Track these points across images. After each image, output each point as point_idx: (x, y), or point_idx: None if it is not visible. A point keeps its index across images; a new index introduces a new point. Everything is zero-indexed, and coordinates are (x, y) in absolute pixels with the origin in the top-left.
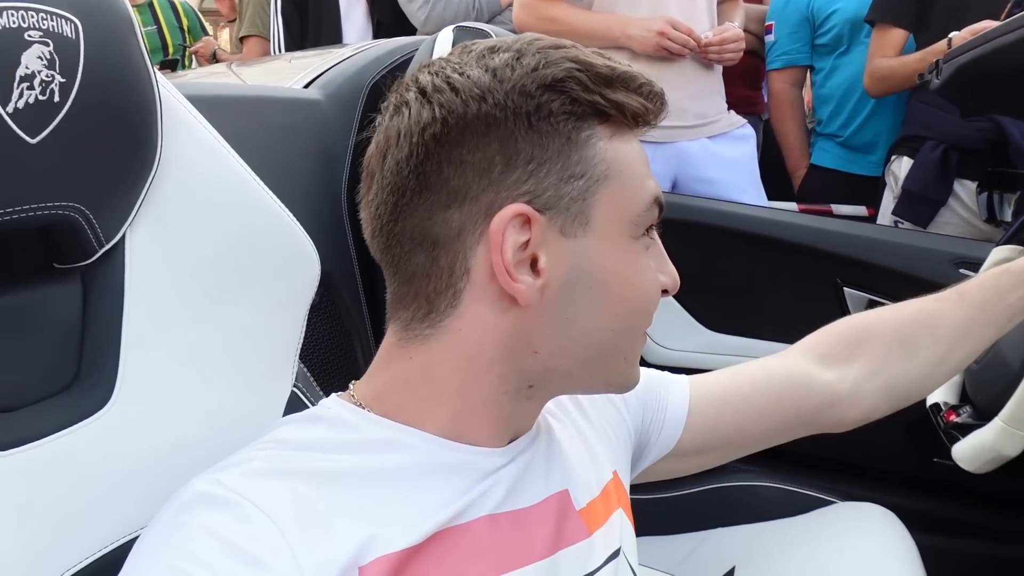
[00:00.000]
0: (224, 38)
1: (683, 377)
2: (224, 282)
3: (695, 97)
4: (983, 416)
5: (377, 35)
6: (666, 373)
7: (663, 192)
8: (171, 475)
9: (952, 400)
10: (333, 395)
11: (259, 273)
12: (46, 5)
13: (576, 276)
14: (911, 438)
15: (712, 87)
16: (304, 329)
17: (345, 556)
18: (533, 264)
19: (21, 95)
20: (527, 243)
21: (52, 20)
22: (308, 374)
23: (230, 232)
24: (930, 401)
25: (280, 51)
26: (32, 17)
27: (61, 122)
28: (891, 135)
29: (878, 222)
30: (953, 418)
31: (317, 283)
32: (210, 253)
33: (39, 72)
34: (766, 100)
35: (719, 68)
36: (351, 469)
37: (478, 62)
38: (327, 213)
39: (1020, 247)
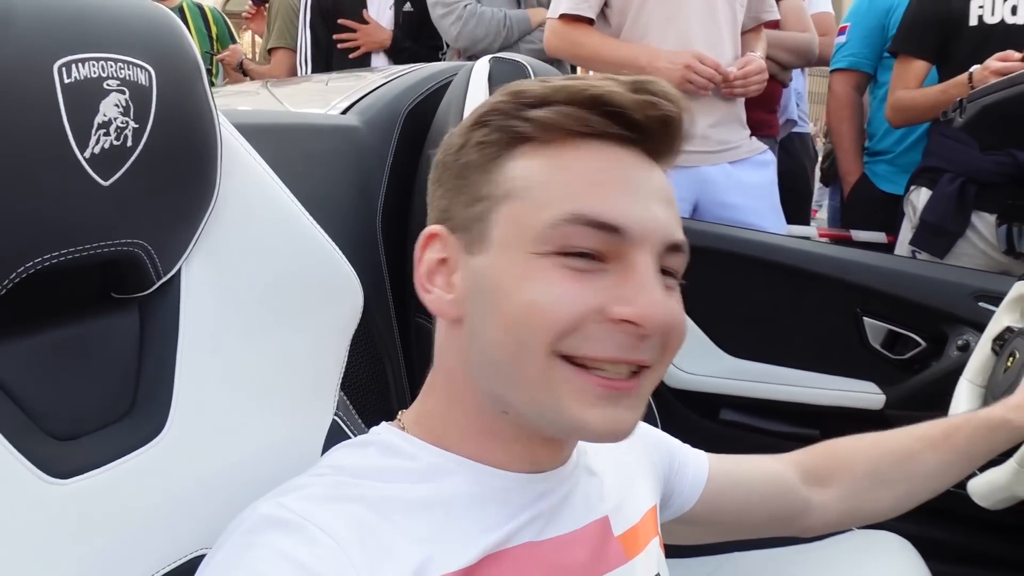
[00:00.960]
0: (246, 40)
1: (702, 452)
2: (273, 313)
3: (717, 124)
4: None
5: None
6: (684, 445)
7: (685, 218)
8: (222, 499)
9: None
10: (384, 423)
11: (306, 305)
12: (124, 55)
13: (477, 291)
14: None
15: (734, 114)
16: (346, 360)
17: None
18: (451, 280)
19: (98, 141)
20: (446, 260)
21: (129, 69)
22: (348, 403)
23: (280, 265)
24: None
25: (307, 62)
26: (111, 67)
27: (132, 165)
28: None
29: (896, 252)
30: None
31: (360, 315)
32: (260, 285)
33: (115, 119)
34: (781, 123)
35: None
36: (404, 497)
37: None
38: (362, 238)
39: None
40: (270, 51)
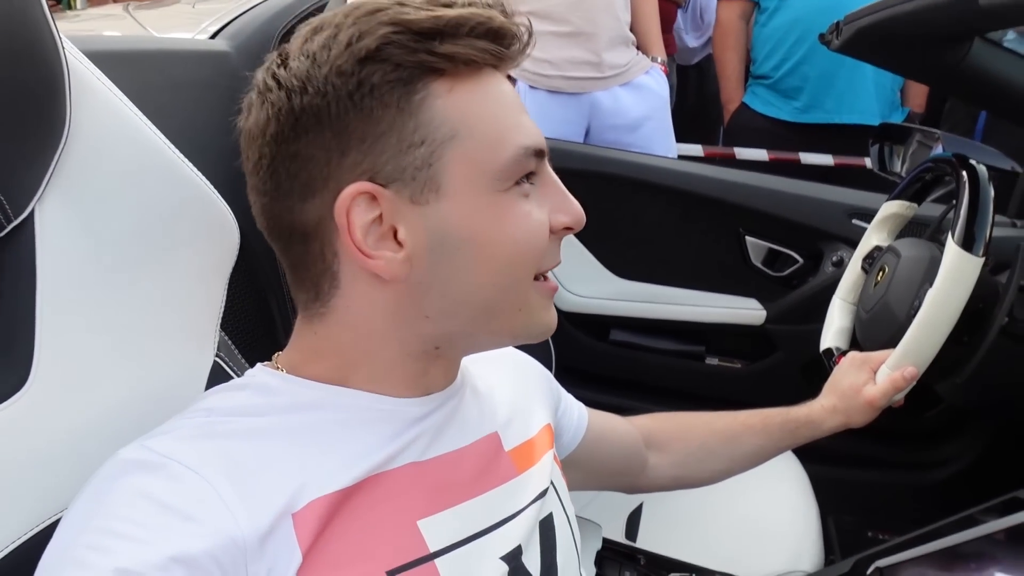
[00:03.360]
0: None
1: (579, 402)
2: (142, 254)
3: (608, 48)
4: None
5: None
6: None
7: (572, 142)
8: (96, 450)
9: (843, 346)
10: (258, 365)
11: (177, 243)
12: None
13: (439, 241)
14: (804, 378)
15: (622, 36)
16: (224, 299)
17: (278, 504)
18: (396, 236)
19: None
20: (380, 218)
21: None
22: (230, 343)
23: (146, 203)
24: (823, 346)
25: None
26: None
27: None
28: (819, 83)
29: None
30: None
31: (237, 252)
32: (124, 223)
33: None
34: (701, 43)
35: (628, 19)
36: (278, 426)
37: (301, 48)
38: (238, 171)
39: (909, 203)
40: None
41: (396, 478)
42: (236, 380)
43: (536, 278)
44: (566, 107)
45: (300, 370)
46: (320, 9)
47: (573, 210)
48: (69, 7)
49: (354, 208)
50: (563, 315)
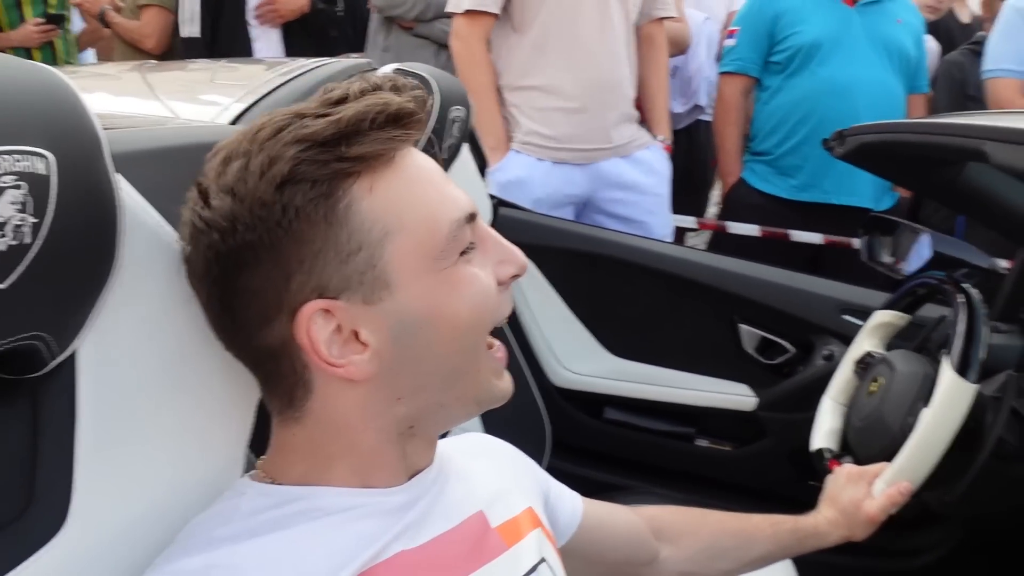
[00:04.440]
0: None
1: (574, 492)
2: (178, 383)
3: (615, 125)
4: None
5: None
6: (555, 480)
7: (577, 223)
8: None
9: (834, 447)
10: (245, 477)
11: (214, 369)
12: (20, 144)
13: (401, 330)
14: (792, 464)
15: (631, 115)
16: (253, 420)
17: None
18: (359, 337)
19: None
20: (339, 328)
21: (26, 160)
22: (254, 460)
23: (184, 331)
24: (814, 446)
25: (192, 21)
26: (6, 161)
27: (31, 264)
28: (818, 163)
29: None
30: (836, 468)
31: None
32: (165, 356)
33: (11, 218)
34: (688, 108)
35: (634, 95)
36: (269, 536)
37: (217, 184)
38: None
39: (902, 314)
40: (141, 7)
41: (390, 568)
42: (230, 499)
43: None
44: (570, 175)
45: (286, 475)
46: None
47: (515, 258)
48: (65, 31)
49: (312, 326)
50: (559, 391)
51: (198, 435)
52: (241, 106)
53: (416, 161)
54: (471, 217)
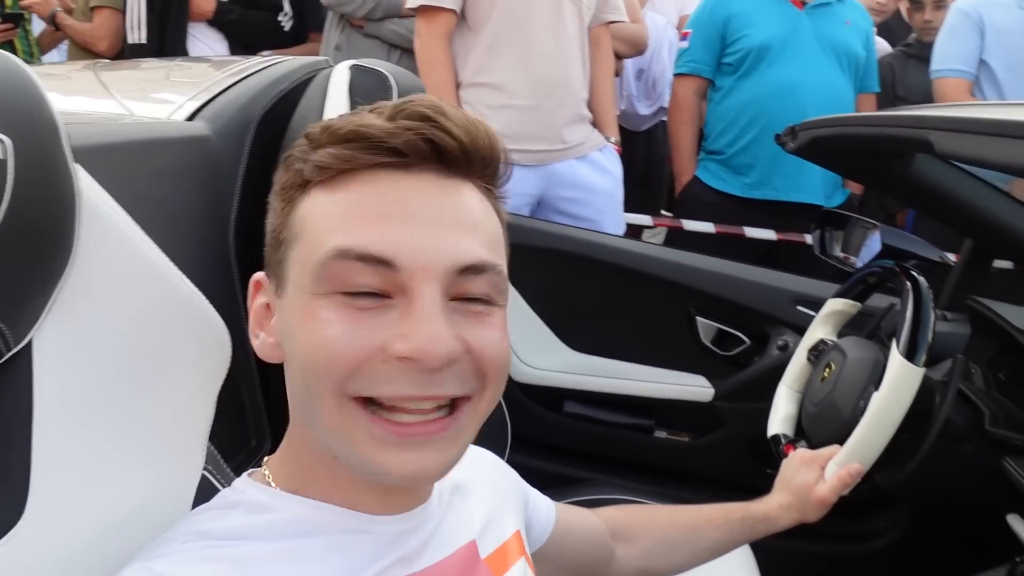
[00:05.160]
0: None
1: (546, 497)
2: (136, 375)
3: (566, 125)
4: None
5: None
6: (530, 487)
7: (536, 219)
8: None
9: (790, 433)
10: (245, 476)
11: (173, 360)
12: None
13: (282, 334)
14: (749, 453)
15: (582, 115)
16: (214, 410)
17: None
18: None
19: None
20: (269, 305)
21: None
22: (217, 454)
23: (143, 324)
24: (771, 432)
25: (140, 26)
26: None
27: None
28: (769, 162)
29: None
30: (791, 452)
31: (228, 364)
32: (123, 347)
33: None
34: (653, 111)
35: (587, 96)
36: (268, 550)
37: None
38: (216, 258)
39: (853, 302)
40: (93, 9)
41: None
42: (226, 496)
43: (376, 405)
44: (520, 178)
45: (290, 479)
46: (298, 89)
47: (418, 339)
48: (25, 31)
49: (256, 292)
50: (518, 386)
51: (157, 426)
52: (195, 103)
53: (392, 190)
54: (373, 260)
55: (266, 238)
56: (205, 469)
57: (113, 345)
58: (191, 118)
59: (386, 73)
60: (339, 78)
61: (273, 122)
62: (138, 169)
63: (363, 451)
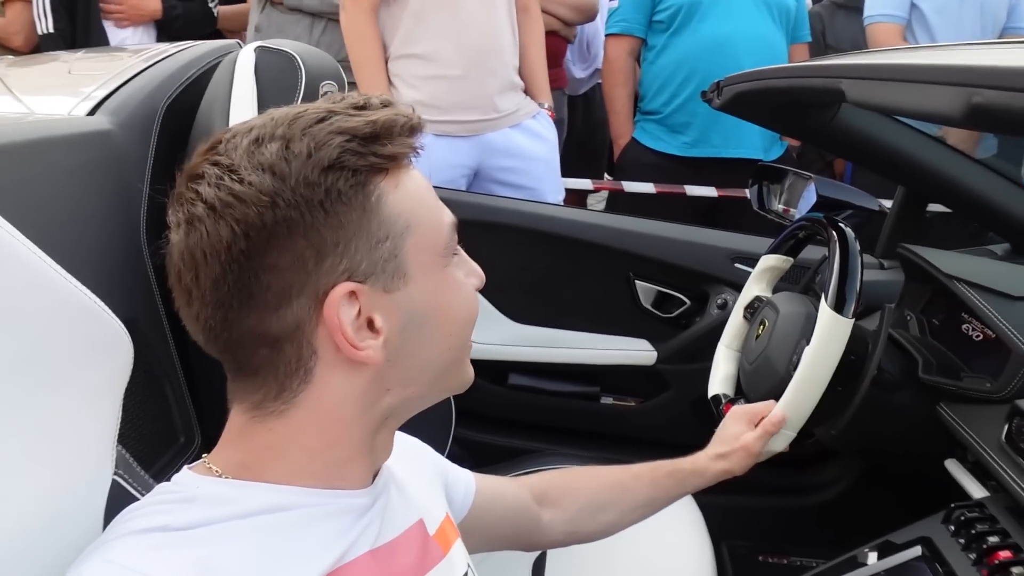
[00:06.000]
0: None
1: (466, 470)
2: (29, 383)
3: (498, 93)
4: None
5: None
6: (448, 461)
7: (463, 191)
8: None
9: (730, 392)
10: (187, 470)
11: (67, 368)
12: None
13: (409, 320)
14: (695, 414)
15: (514, 82)
16: (121, 413)
17: None
18: (371, 325)
19: None
20: (359, 312)
21: None
22: (128, 457)
23: (33, 331)
24: (711, 392)
25: (47, 16)
26: None
27: None
28: (706, 119)
29: None
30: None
31: (131, 364)
32: (11, 357)
33: None
34: (589, 73)
35: (517, 63)
36: (241, 533)
37: (250, 161)
38: (127, 254)
39: (785, 257)
40: (4, 3)
41: (355, 570)
42: (174, 491)
43: None
44: (454, 149)
45: (247, 470)
46: (204, 76)
47: (477, 271)
48: None
49: (341, 307)
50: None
51: (54, 434)
52: (102, 92)
53: (418, 173)
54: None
55: (341, 248)
56: (116, 474)
57: (8, 348)
58: (93, 112)
59: (292, 53)
60: (245, 61)
61: (179, 110)
62: (32, 171)
63: (468, 373)
